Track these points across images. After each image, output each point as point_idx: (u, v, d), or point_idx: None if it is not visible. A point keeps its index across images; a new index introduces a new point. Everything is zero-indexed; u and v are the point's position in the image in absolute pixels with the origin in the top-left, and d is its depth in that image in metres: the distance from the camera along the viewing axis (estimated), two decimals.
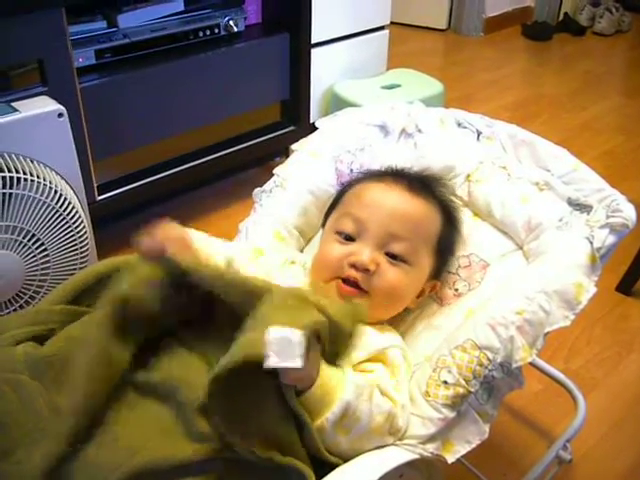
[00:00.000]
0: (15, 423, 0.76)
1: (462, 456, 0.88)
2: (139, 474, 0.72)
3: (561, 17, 4.10)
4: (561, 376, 1.33)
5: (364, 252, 0.93)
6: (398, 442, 0.83)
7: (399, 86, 2.52)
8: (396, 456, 0.81)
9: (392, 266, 0.94)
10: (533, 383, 1.41)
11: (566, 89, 3.23)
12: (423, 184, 1.02)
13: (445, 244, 1.01)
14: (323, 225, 1.08)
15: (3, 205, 1.24)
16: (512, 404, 1.43)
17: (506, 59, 3.65)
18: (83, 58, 1.65)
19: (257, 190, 1.18)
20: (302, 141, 1.21)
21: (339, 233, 0.98)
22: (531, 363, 1.29)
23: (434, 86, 2.53)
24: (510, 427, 1.40)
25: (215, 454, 0.75)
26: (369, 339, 0.89)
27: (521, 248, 1.03)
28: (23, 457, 0.75)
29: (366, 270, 0.92)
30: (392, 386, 0.85)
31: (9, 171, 1.24)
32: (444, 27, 3.99)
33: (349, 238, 0.97)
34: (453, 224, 1.03)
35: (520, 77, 3.49)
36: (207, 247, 0.94)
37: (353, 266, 0.93)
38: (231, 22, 1.93)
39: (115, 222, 1.80)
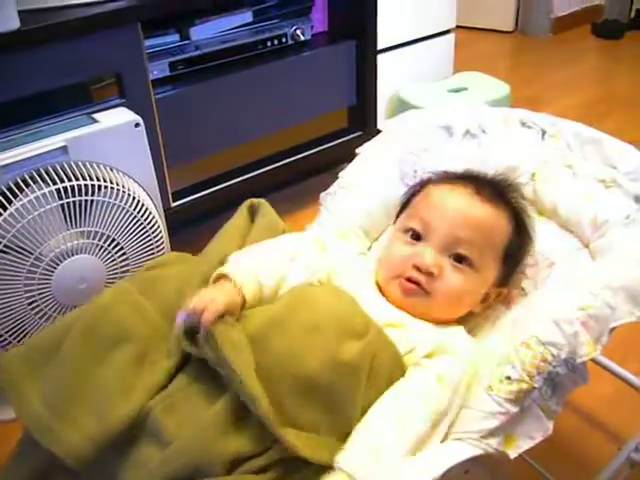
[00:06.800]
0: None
1: (531, 457, 0.87)
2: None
3: (633, 14, 3.99)
4: (633, 378, 1.30)
5: (428, 255, 0.95)
6: (462, 436, 0.84)
7: (465, 89, 2.51)
8: (461, 451, 0.81)
9: (455, 270, 0.96)
10: (604, 385, 1.39)
11: (639, 88, 3.15)
12: (494, 189, 1.02)
13: (513, 252, 1.01)
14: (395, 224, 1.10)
15: (86, 212, 1.30)
16: (582, 406, 1.41)
17: (576, 59, 3.58)
18: (158, 70, 1.73)
19: (323, 193, 1.20)
20: (366, 144, 1.23)
21: (406, 232, 1.00)
22: (602, 365, 1.29)
23: (501, 88, 2.52)
24: (580, 429, 1.38)
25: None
26: (427, 335, 0.92)
27: (587, 246, 1.02)
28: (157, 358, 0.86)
29: (429, 273, 0.95)
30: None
31: (90, 179, 1.30)
32: (511, 29, 3.94)
33: (415, 237, 0.99)
34: (523, 232, 1.03)
35: (590, 77, 3.42)
36: (258, 276, 0.89)
37: (417, 268, 0.95)
38: (298, 31, 1.98)
39: (188, 228, 1.86)
